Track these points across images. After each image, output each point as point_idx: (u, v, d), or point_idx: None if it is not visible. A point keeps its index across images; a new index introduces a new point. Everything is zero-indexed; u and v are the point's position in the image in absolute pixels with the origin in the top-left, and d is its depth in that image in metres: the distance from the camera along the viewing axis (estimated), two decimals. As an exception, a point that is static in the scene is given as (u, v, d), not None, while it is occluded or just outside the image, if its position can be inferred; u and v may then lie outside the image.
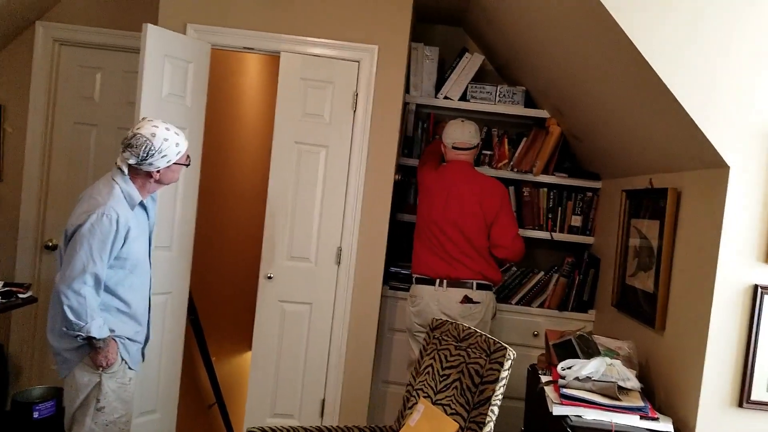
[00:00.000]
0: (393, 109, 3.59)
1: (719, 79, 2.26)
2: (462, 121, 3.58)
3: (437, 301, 3.42)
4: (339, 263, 3.63)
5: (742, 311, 2.32)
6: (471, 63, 3.91)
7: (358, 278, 3.63)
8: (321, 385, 3.64)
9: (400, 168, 3.83)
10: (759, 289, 2.30)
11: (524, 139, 3.93)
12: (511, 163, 3.91)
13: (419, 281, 3.51)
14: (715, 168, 2.36)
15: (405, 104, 3.78)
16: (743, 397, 2.32)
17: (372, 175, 3.60)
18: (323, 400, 3.65)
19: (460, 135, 3.52)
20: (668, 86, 2.26)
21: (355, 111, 3.58)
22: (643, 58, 2.26)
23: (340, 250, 3.62)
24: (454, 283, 3.43)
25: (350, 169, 3.60)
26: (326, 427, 2.54)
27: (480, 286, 3.45)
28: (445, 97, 3.90)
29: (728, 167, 2.29)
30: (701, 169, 2.49)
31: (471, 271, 3.43)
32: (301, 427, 2.51)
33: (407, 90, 3.82)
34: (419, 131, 4.00)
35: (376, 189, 3.61)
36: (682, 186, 2.65)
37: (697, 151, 2.39)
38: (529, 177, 3.87)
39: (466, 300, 3.40)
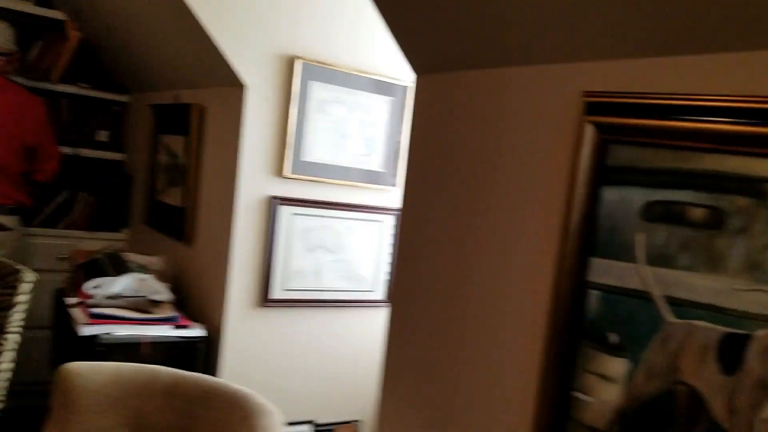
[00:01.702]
0: None
1: (240, 5, 2.37)
2: None
3: None
4: None
5: (260, 221, 2.56)
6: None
7: None
8: None
9: None
10: (273, 201, 2.56)
11: (38, 42, 3.51)
12: (23, 67, 3.45)
13: None
14: (234, 86, 2.50)
15: None
16: (264, 298, 2.60)
17: None
18: None
19: None
20: (190, 6, 2.28)
21: None
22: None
23: None
24: None
25: None
26: None
27: (11, 211, 3.07)
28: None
29: (245, 86, 2.45)
30: (223, 87, 2.61)
31: (1, 196, 3.01)
32: None
33: None
34: None
35: None
36: (206, 102, 2.75)
37: (218, 69, 2.49)
38: (48, 86, 3.50)
39: None
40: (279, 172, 2.57)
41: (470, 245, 1.45)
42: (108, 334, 2.32)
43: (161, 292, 2.58)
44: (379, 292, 2.81)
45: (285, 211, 2.59)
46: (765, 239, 0.92)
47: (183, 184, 2.86)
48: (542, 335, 1.25)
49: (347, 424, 2.82)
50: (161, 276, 2.77)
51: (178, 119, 2.91)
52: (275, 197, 2.56)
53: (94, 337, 2.29)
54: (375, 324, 2.77)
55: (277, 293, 2.63)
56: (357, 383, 2.82)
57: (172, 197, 2.98)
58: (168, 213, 3.03)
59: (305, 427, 2.70)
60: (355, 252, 2.74)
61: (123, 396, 1.96)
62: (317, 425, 2.73)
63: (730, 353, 0.96)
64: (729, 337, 0.97)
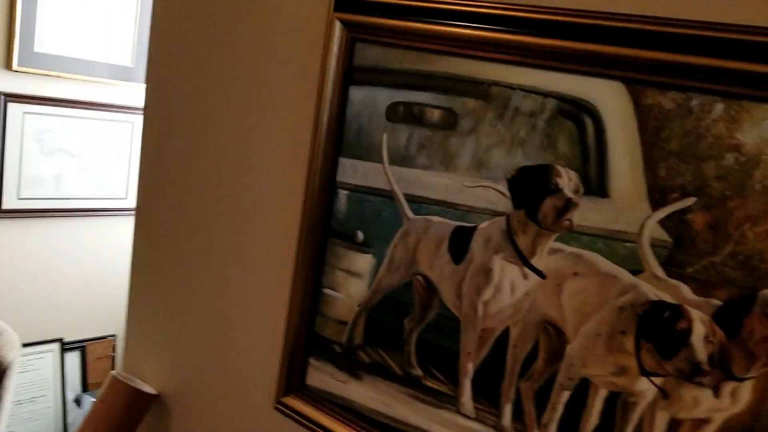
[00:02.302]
0: None
1: None
2: None
3: None
4: None
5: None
6: None
7: None
8: None
9: None
10: (3, 98, 2.24)
11: None
12: None
13: None
14: (-60, -43, 2.08)
15: None
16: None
17: None
18: None
19: None
20: None
21: None
22: None
23: None
24: None
25: None
26: None
27: None
28: None
29: (-45, -42, 2.06)
30: (-76, -43, 2.16)
31: None
32: None
33: None
34: None
35: None
36: None
37: None
38: None
39: None
40: (6, 64, 2.24)
41: (220, 146, 1.39)
42: None
43: None
44: (133, 200, 2.63)
45: (15, 110, 2.29)
46: (490, 140, 1.00)
47: None
48: (296, 235, 1.26)
49: (101, 340, 2.67)
50: None
51: None
52: (3, 93, 2.24)
53: None
54: (128, 233, 2.60)
55: (10, 203, 2.34)
56: (110, 297, 2.67)
57: None
58: None
59: (53, 345, 2.50)
60: (102, 156, 2.52)
61: None
62: (66, 343, 2.54)
63: (459, 244, 1.05)
64: (458, 230, 1.05)
